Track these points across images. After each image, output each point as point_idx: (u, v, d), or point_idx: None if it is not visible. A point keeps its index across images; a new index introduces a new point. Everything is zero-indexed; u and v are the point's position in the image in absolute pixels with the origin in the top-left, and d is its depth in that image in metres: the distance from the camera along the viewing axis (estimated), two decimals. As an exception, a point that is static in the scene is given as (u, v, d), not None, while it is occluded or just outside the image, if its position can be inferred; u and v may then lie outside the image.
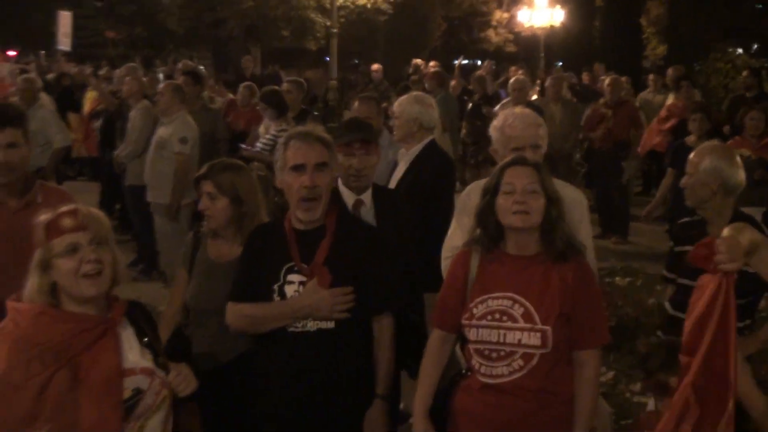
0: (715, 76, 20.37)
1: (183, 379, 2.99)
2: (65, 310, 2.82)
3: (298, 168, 3.46)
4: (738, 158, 4.31)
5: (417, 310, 4.27)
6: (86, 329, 2.81)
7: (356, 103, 7.16)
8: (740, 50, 27.13)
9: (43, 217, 2.86)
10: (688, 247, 4.41)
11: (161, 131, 8.54)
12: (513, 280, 3.32)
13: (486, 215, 3.39)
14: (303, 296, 3.44)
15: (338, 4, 18.47)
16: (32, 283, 2.82)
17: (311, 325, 3.44)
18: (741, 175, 4.22)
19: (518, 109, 4.42)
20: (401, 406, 4.62)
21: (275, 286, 3.47)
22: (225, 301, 3.66)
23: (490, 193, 3.39)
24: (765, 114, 8.14)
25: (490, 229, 3.39)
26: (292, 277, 3.48)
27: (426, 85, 13.68)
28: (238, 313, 3.55)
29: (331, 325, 3.44)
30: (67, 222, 2.84)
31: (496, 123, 4.27)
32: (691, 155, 4.37)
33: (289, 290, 3.47)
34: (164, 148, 8.34)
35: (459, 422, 3.37)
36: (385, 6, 24.16)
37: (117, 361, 2.83)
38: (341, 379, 3.49)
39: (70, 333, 2.78)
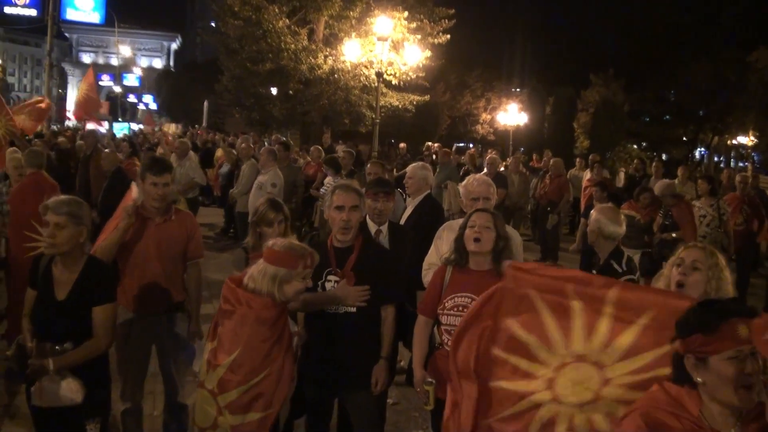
0: (618, 161, 20.28)
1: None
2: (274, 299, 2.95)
3: (339, 208, 3.43)
4: (620, 217, 4.14)
5: (411, 302, 4.20)
6: (282, 308, 2.98)
7: (368, 165, 7.10)
8: (635, 146, 26.98)
9: (305, 252, 2.97)
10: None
11: (260, 178, 8.63)
12: (472, 285, 3.26)
13: (459, 242, 3.36)
14: (337, 290, 3.39)
15: (381, 104, 18.50)
16: (267, 285, 2.90)
17: (341, 309, 3.39)
18: (614, 228, 4.05)
19: (478, 176, 4.40)
20: (400, 363, 4.55)
21: (319, 283, 3.41)
22: None
23: (463, 228, 3.36)
24: (651, 194, 8.14)
25: (461, 252, 3.35)
26: (330, 277, 3.42)
27: (437, 159, 13.65)
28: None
29: (353, 309, 3.38)
30: (310, 261, 3.00)
31: (464, 183, 4.32)
32: (591, 212, 4.31)
33: (328, 286, 3.41)
34: (261, 189, 8.35)
35: (434, 377, 3.30)
36: (410, 107, 24.12)
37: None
38: (359, 344, 3.43)
39: (278, 312, 2.94)
